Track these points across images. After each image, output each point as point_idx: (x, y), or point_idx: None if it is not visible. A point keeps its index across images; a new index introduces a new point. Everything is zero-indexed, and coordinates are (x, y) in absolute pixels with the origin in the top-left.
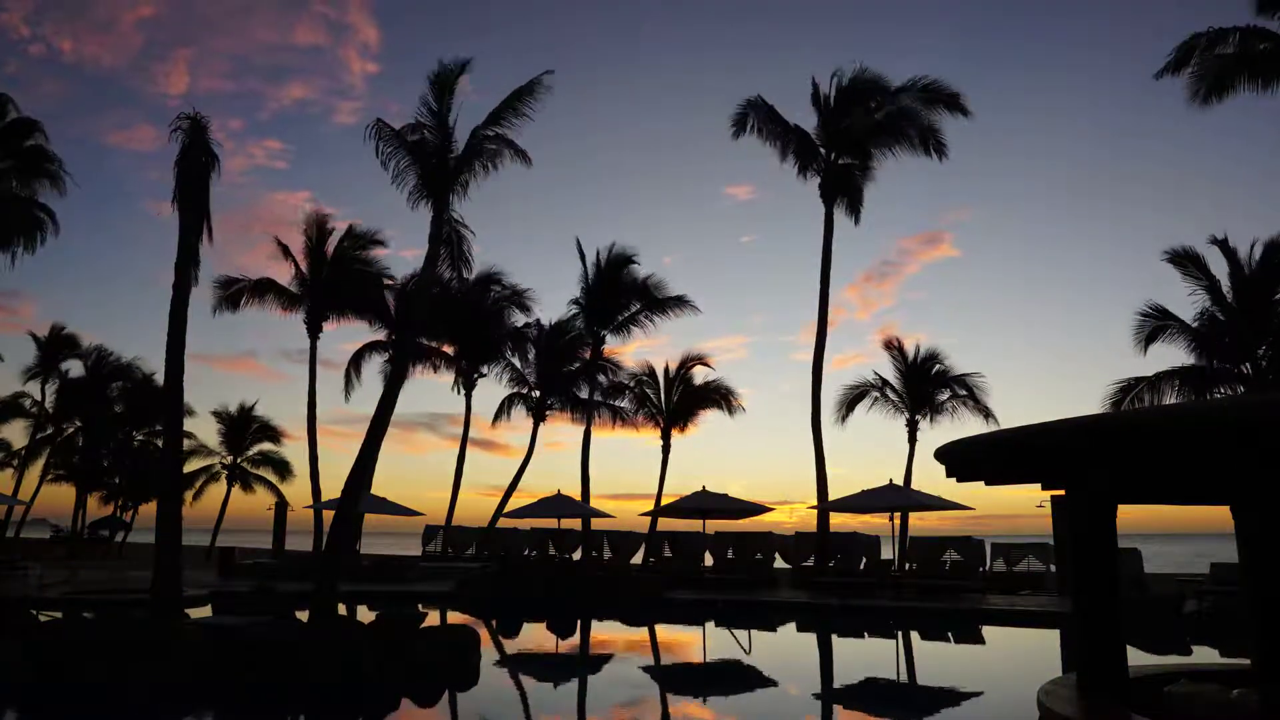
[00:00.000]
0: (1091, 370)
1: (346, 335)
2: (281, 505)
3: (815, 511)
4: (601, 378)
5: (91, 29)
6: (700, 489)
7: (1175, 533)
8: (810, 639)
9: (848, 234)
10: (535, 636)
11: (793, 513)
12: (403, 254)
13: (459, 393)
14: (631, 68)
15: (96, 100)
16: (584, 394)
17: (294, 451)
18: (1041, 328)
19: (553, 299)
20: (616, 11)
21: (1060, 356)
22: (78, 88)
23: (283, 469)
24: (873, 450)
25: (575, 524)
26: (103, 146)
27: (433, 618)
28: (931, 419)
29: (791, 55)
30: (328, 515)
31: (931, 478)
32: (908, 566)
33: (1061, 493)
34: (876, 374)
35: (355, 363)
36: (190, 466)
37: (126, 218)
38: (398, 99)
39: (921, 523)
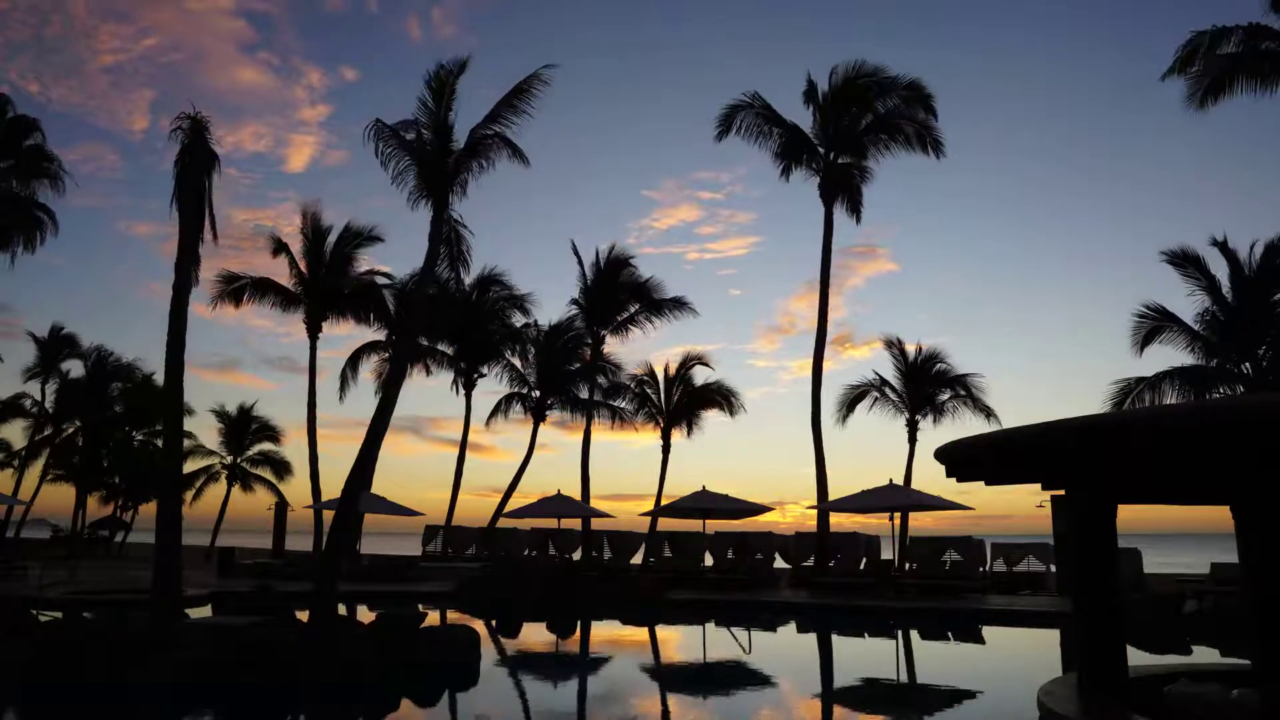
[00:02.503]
0: (1089, 371)
1: (333, 342)
2: (281, 505)
3: (806, 512)
4: (601, 378)
5: (57, 73)
6: (700, 489)
7: (1175, 533)
8: (810, 639)
9: (793, 246)
10: (535, 636)
11: (785, 512)
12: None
13: (458, 393)
14: (627, 70)
15: (63, 136)
16: (584, 394)
17: (287, 453)
18: (1018, 329)
19: (553, 299)
20: (610, 14)
21: (1048, 358)
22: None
23: (282, 469)
24: (873, 450)
25: (575, 524)
26: (76, 174)
27: (433, 618)
28: (934, 419)
29: (787, 55)
30: (328, 515)
31: (931, 478)
32: (908, 566)
33: (1061, 493)
34: (876, 373)
35: (353, 363)
36: (190, 466)
37: (103, 238)
38: (346, 133)
39: (921, 523)
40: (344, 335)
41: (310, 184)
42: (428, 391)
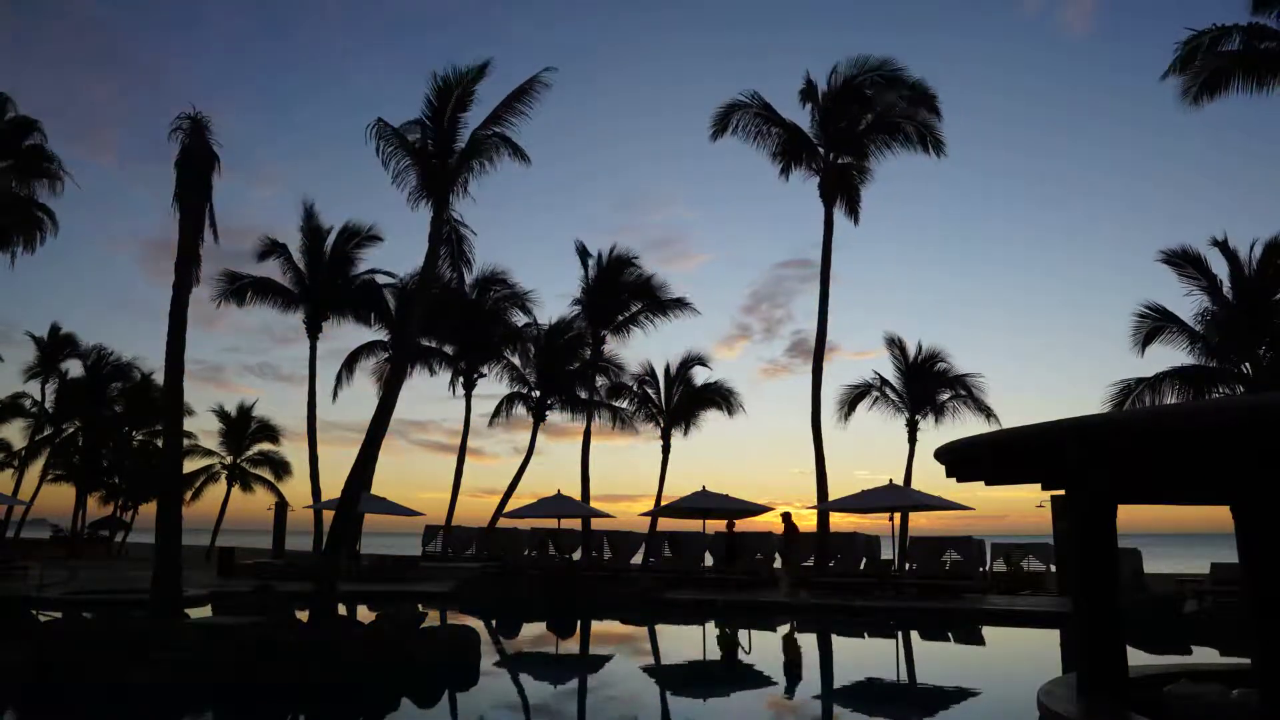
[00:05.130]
0: (1089, 371)
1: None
2: (281, 505)
3: (800, 514)
4: (601, 378)
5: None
6: (700, 489)
7: (1175, 533)
8: (810, 639)
9: (740, 260)
10: (535, 636)
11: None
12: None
13: (456, 393)
14: (627, 69)
15: None
16: (583, 394)
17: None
18: (1016, 330)
19: (553, 299)
20: (609, 15)
21: (1047, 359)
22: None
23: (282, 469)
24: (873, 450)
25: (575, 524)
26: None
27: (433, 618)
28: (936, 419)
29: (785, 54)
30: (328, 515)
31: (931, 478)
32: (908, 566)
33: (1061, 493)
34: (876, 373)
35: (350, 363)
36: (190, 466)
37: (81, 254)
38: (303, 165)
39: (921, 523)
40: (326, 344)
41: (276, 211)
42: (415, 395)
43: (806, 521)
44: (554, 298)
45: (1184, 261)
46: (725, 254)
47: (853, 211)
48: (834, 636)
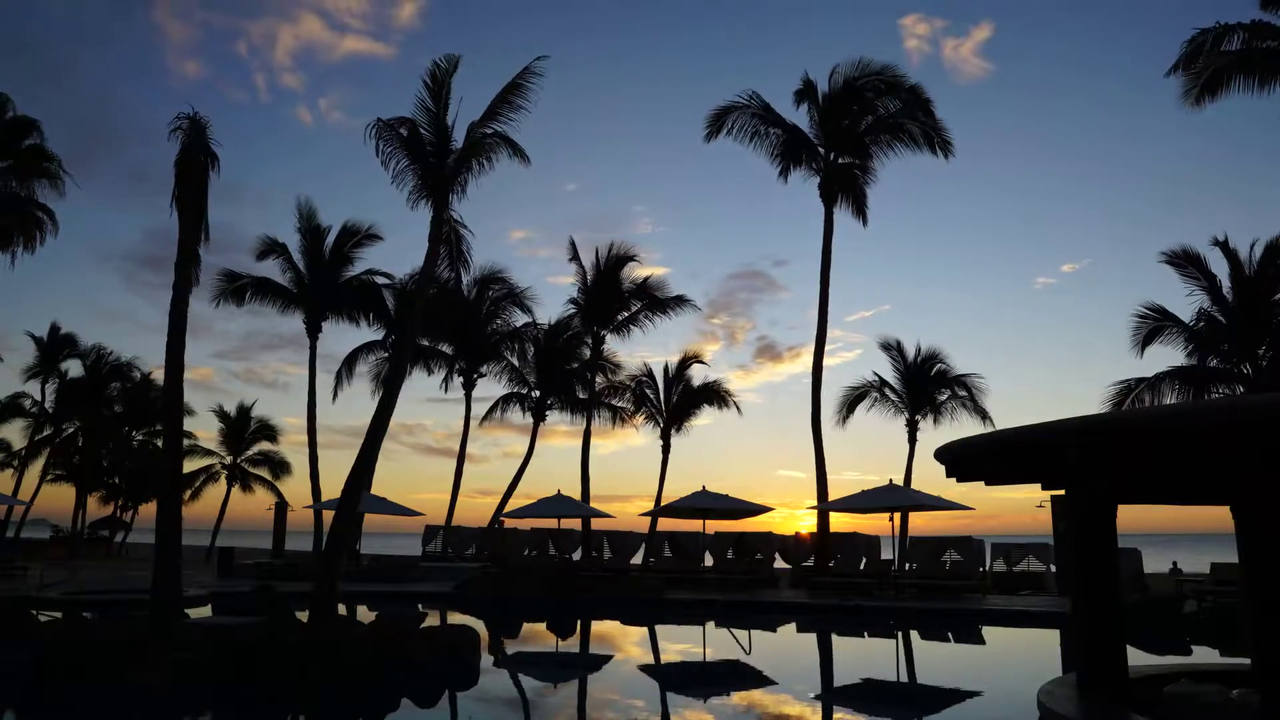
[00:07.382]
0: (1089, 371)
1: (298, 347)
2: (281, 505)
3: (794, 515)
4: (600, 378)
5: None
6: (700, 489)
7: (1175, 533)
8: (810, 639)
9: (697, 270)
10: (535, 636)
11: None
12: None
13: (445, 392)
14: (626, 68)
15: None
16: (583, 394)
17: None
18: (1017, 330)
19: (553, 298)
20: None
21: (1047, 359)
22: None
23: (281, 469)
24: (873, 450)
25: (575, 524)
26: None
27: (433, 618)
28: (934, 420)
29: (785, 54)
30: (328, 515)
31: (931, 478)
32: (908, 566)
33: (1061, 493)
34: (875, 374)
35: (348, 364)
36: (190, 466)
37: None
38: (263, 198)
39: (921, 523)
40: (319, 346)
41: (267, 228)
42: (403, 398)
43: (805, 522)
44: (557, 290)
45: (1185, 262)
46: (682, 266)
47: (860, 213)
48: (834, 636)
